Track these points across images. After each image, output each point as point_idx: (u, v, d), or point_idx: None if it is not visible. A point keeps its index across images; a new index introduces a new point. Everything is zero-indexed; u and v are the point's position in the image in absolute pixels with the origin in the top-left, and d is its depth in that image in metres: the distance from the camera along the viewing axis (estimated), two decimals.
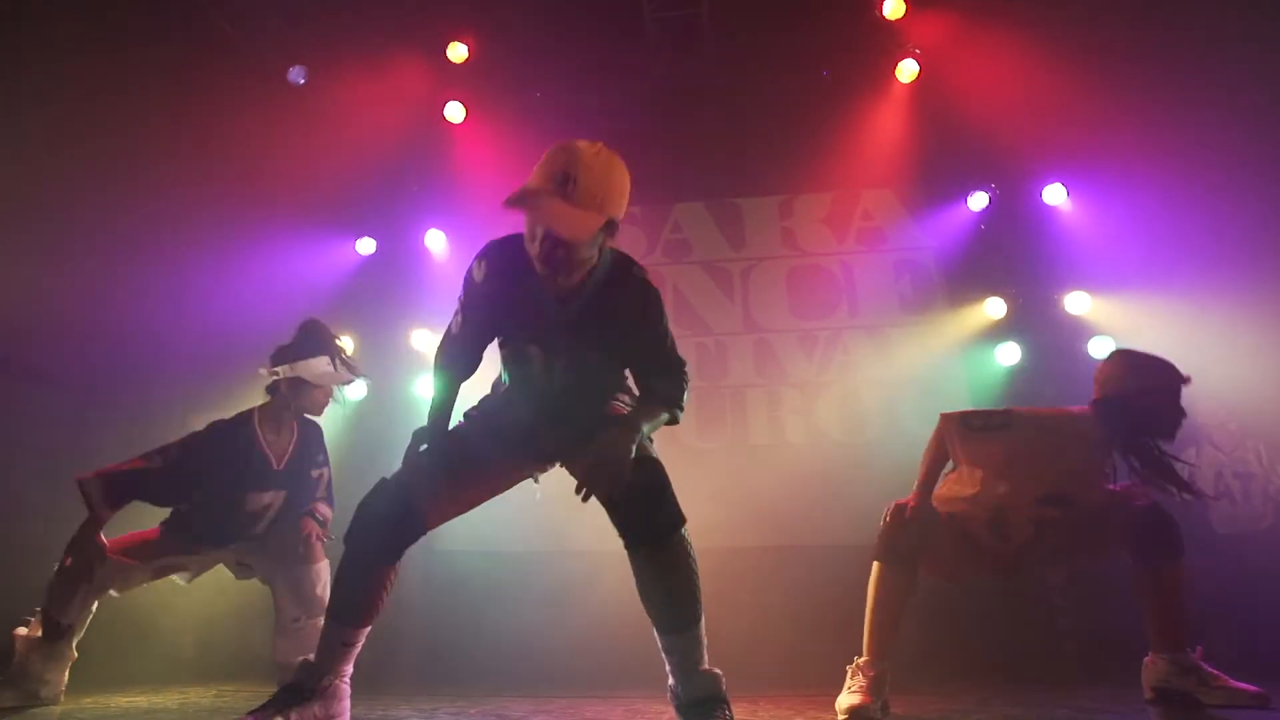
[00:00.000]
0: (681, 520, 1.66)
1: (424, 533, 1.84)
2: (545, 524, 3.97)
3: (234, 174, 4.59)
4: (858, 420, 4.47)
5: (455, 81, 4.94)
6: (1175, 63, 3.97)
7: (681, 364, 1.92)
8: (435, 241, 4.93)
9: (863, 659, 2.26)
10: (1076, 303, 4.42)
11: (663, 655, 1.63)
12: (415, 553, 4.28)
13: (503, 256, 1.82)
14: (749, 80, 4.84)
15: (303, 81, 4.80)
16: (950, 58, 4.52)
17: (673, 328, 1.99)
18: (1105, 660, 3.53)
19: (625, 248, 2.07)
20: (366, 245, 4.95)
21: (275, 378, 2.87)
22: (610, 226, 1.69)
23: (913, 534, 2.31)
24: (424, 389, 4.58)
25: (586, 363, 1.87)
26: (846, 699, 2.17)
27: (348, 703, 1.84)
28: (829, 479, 4.29)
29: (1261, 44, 3.75)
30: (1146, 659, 2.34)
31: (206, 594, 3.75)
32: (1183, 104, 3.94)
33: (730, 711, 1.59)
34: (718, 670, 1.62)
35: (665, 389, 1.88)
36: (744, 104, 4.90)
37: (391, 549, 1.81)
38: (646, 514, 1.62)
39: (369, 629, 1.86)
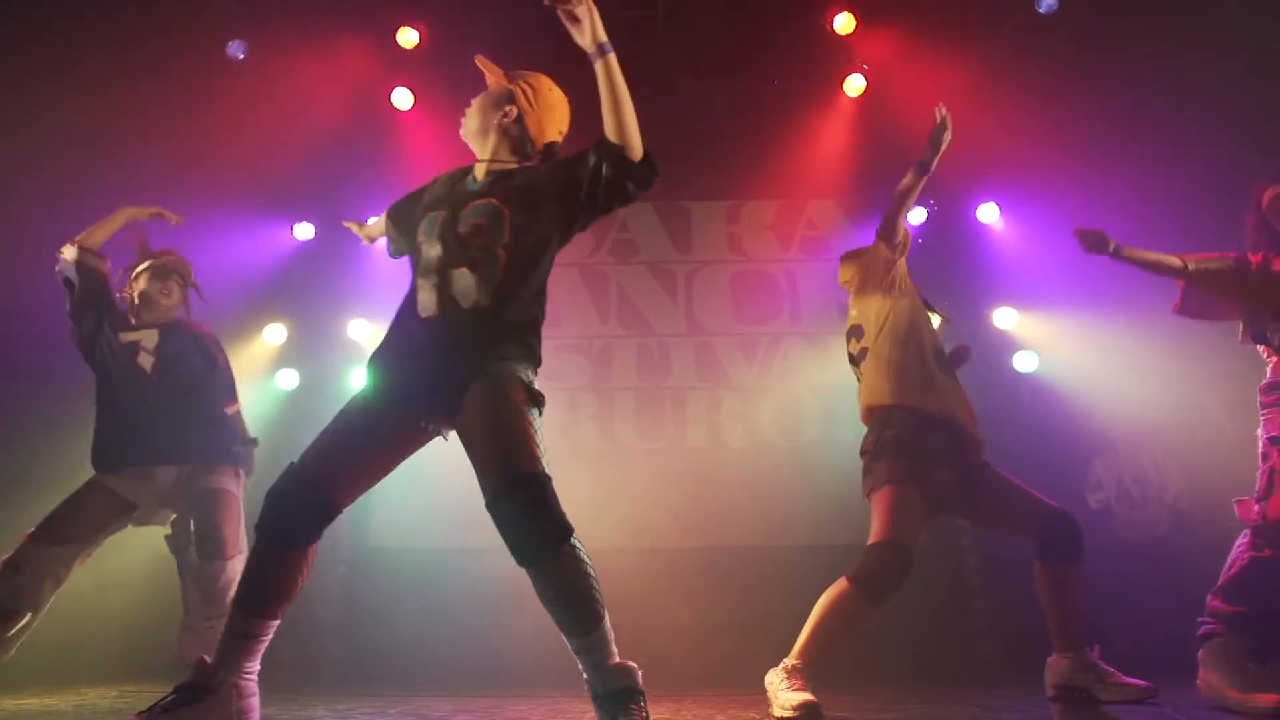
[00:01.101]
0: (565, 536, 1.62)
1: (336, 512, 1.79)
2: (468, 520, 3.93)
3: (164, 149, 4.40)
4: (795, 424, 4.55)
5: (404, 67, 4.83)
6: (1106, 89, 4.16)
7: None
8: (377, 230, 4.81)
9: (797, 661, 2.26)
10: (1004, 318, 4.61)
11: (574, 656, 1.65)
12: (340, 547, 4.24)
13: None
14: (701, 85, 4.87)
15: (242, 56, 4.63)
16: (896, 75, 4.64)
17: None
18: (1019, 660, 3.69)
19: (571, 245, 2.10)
20: (304, 231, 4.81)
21: None
22: (508, 98, 1.97)
23: (900, 581, 2.29)
24: (360, 380, 4.48)
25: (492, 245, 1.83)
26: (795, 696, 2.15)
27: (254, 702, 1.75)
28: (766, 481, 4.37)
29: (1188, 76, 3.96)
30: (1050, 659, 2.46)
31: (118, 589, 3.60)
32: (1112, 130, 4.14)
33: (645, 703, 1.60)
34: (631, 664, 1.64)
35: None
36: (695, 108, 4.93)
37: (300, 533, 1.76)
38: (529, 535, 1.61)
39: (277, 622, 1.78)
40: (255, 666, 1.77)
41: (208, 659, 1.73)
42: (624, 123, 1.82)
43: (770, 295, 4.85)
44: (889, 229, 2.67)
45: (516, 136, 1.98)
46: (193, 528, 2.67)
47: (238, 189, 4.54)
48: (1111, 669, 2.37)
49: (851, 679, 3.12)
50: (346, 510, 1.86)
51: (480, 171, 1.97)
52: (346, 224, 2.45)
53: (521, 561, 1.61)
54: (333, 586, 4.19)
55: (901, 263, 2.70)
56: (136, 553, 3.39)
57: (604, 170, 1.85)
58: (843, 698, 2.56)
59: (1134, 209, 4.07)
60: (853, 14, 4.59)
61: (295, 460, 1.80)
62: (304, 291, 4.70)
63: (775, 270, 4.91)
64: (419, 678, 3.57)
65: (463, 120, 2.04)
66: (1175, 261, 2.62)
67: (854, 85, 4.76)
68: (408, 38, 4.75)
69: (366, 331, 4.59)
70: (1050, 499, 2.51)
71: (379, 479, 1.87)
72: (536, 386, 1.83)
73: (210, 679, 1.70)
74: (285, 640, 4.16)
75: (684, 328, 4.81)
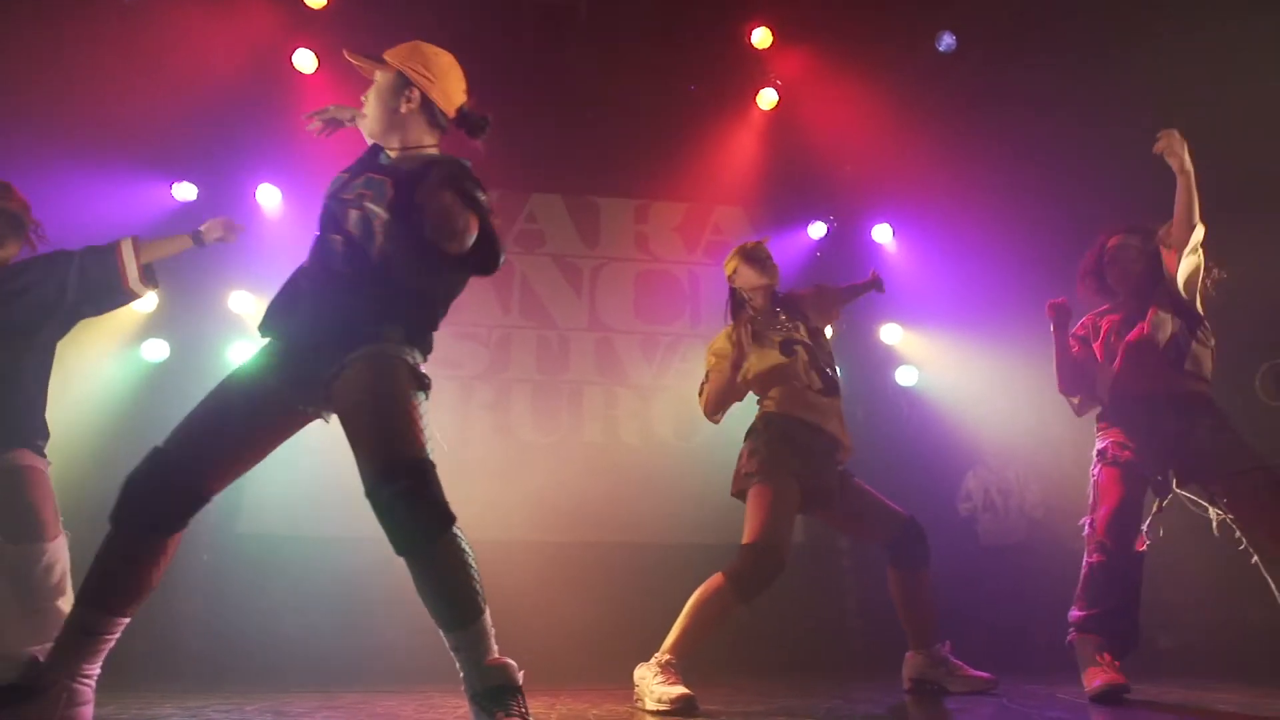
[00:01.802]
0: (446, 525, 1.54)
1: (205, 500, 1.65)
2: (343, 507, 3.78)
3: (36, 93, 4.00)
4: (690, 425, 4.63)
5: (309, 27, 4.58)
6: (998, 125, 4.44)
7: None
8: (268, 197, 4.55)
9: (669, 656, 2.29)
10: (890, 333, 4.85)
11: (450, 652, 1.58)
12: (204, 534, 3.97)
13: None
14: (619, 82, 4.87)
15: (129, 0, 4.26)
16: (806, 92, 4.81)
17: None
18: (888, 655, 3.89)
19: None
20: (186, 191, 4.47)
21: None
22: (404, 83, 1.83)
23: (770, 580, 2.35)
24: (239, 355, 4.22)
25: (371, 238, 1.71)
26: (670, 690, 2.16)
27: (85, 711, 1.55)
28: (659, 479, 4.42)
29: (1075, 118, 4.27)
30: (907, 654, 2.63)
31: None
32: (1001, 163, 4.43)
33: (523, 700, 1.55)
34: (509, 660, 1.58)
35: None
36: (611, 104, 4.92)
37: (163, 522, 1.61)
38: (407, 523, 1.52)
39: (127, 620, 1.62)
40: (95, 669, 1.59)
41: (39, 656, 1.55)
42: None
43: (673, 296, 4.92)
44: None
45: (428, 116, 1.88)
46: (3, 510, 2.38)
47: (114, 141, 4.18)
48: (960, 663, 2.55)
49: (726, 672, 3.20)
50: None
51: (393, 156, 1.88)
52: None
53: (399, 550, 1.53)
54: (195, 576, 3.92)
55: (740, 348, 2.65)
56: None
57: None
58: (718, 690, 2.62)
59: (1019, 239, 4.39)
60: (770, 30, 4.72)
61: (161, 443, 1.64)
62: (180, 256, 4.36)
63: (680, 272, 4.98)
64: (286, 672, 3.39)
65: (360, 124, 1.89)
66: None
67: (767, 98, 4.90)
68: None
69: (250, 305, 4.33)
70: (899, 506, 2.66)
71: (254, 464, 1.74)
72: (424, 370, 1.75)
73: (39, 679, 1.51)
74: (139, 634, 3.86)
75: (586, 323, 4.80)
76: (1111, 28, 3.90)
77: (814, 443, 2.55)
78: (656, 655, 2.32)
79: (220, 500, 3.57)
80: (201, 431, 1.65)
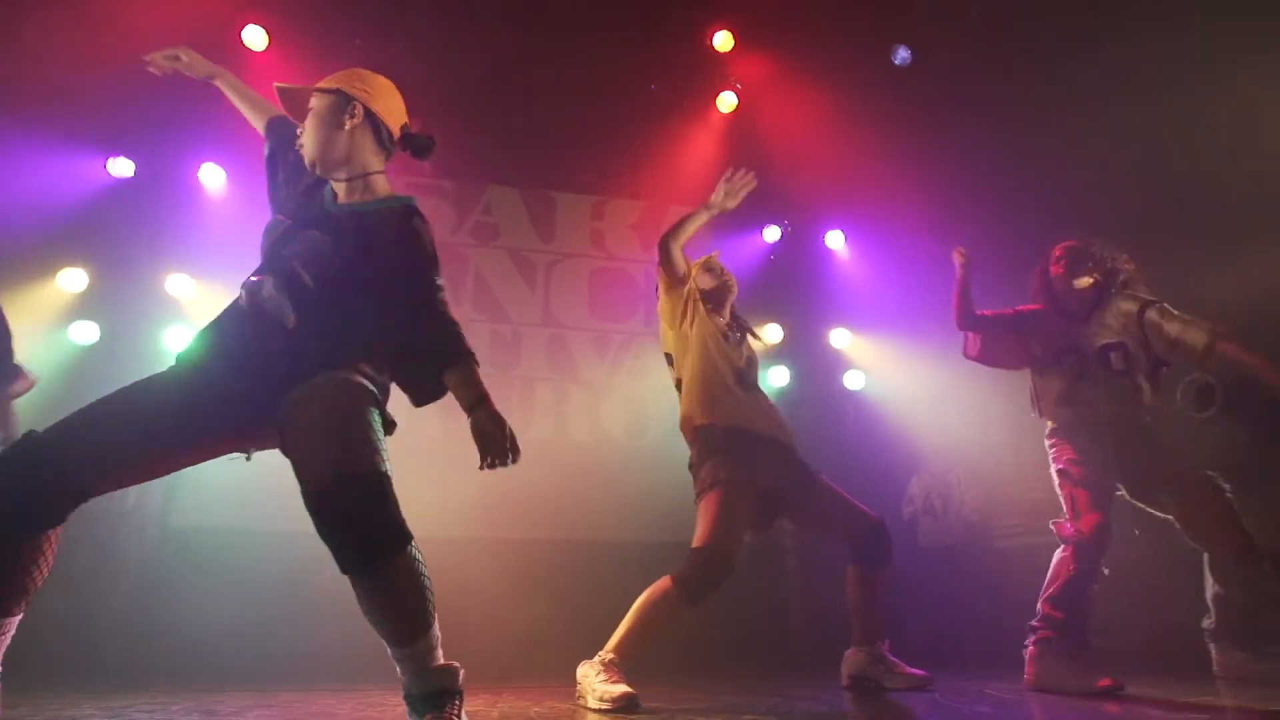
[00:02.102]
0: (401, 544, 1.45)
1: (85, 498, 1.47)
2: (282, 499, 3.67)
3: None
4: (641, 423, 4.63)
5: (260, 3, 4.43)
6: (951, 136, 4.54)
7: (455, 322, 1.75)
8: (212, 177, 4.38)
9: (612, 655, 2.30)
10: (839, 338, 4.94)
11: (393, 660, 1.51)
12: (132, 525, 3.80)
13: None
14: (580, 77, 4.84)
15: None
16: (766, 97, 4.86)
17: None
18: (830, 654, 3.96)
19: (433, 221, 1.99)
20: (122, 167, 4.27)
21: None
22: (345, 99, 1.78)
23: (718, 584, 2.38)
24: (176, 341, 4.06)
25: (334, 290, 1.65)
26: (613, 689, 2.17)
27: None
28: (608, 477, 4.41)
29: (1025, 133, 4.39)
30: (848, 652, 2.69)
31: None
32: (953, 174, 4.52)
33: (460, 703, 1.50)
34: (454, 665, 1.52)
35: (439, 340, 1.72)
36: (572, 99, 4.89)
37: (31, 519, 1.43)
38: (359, 539, 1.42)
39: (16, 619, 1.47)
40: None
41: None
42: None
43: (628, 295, 4.91)
44: (665, 259, 2.78)
45: (373, 133, 1.80)
46: None
47: (45, 110, 3.97)
48: (897, 660, 2.61)
49: (669, 671, 3.21)
50: (147, 484, 1.63)
51: (341, 191, 1.80)
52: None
53: (346, 567, 1.42)
54: (122, 570, 3.75)
55: (690, 291, 2.79)
56: None
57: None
58: (660, 689, 2.62)
59: (968, 249, 4.46)
60: (732, 33, 4.75)
61: (39, 428, 1.46)
62: (115, 235, 4.18)
63: (635, 270, 4.98)
64: (222, 671, 3.27)
65: (304, 155, 1.79)
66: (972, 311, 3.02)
67: (726, 101, 4.93)
68: None
69: (189, 289, 4.16)
70: (866, 507, 2.72)
71: (154, 476, 1.58)
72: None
73: None
74: (60, 631, 3.70)
75: (539, 318, 4.75)
76: (1066, 41, 4.02)
77: (756, 447, 2.57)
78: (600, 653, 2.31)
79: (152, 488, 3.44)
80: (102, 425, 1.48)
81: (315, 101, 1.79)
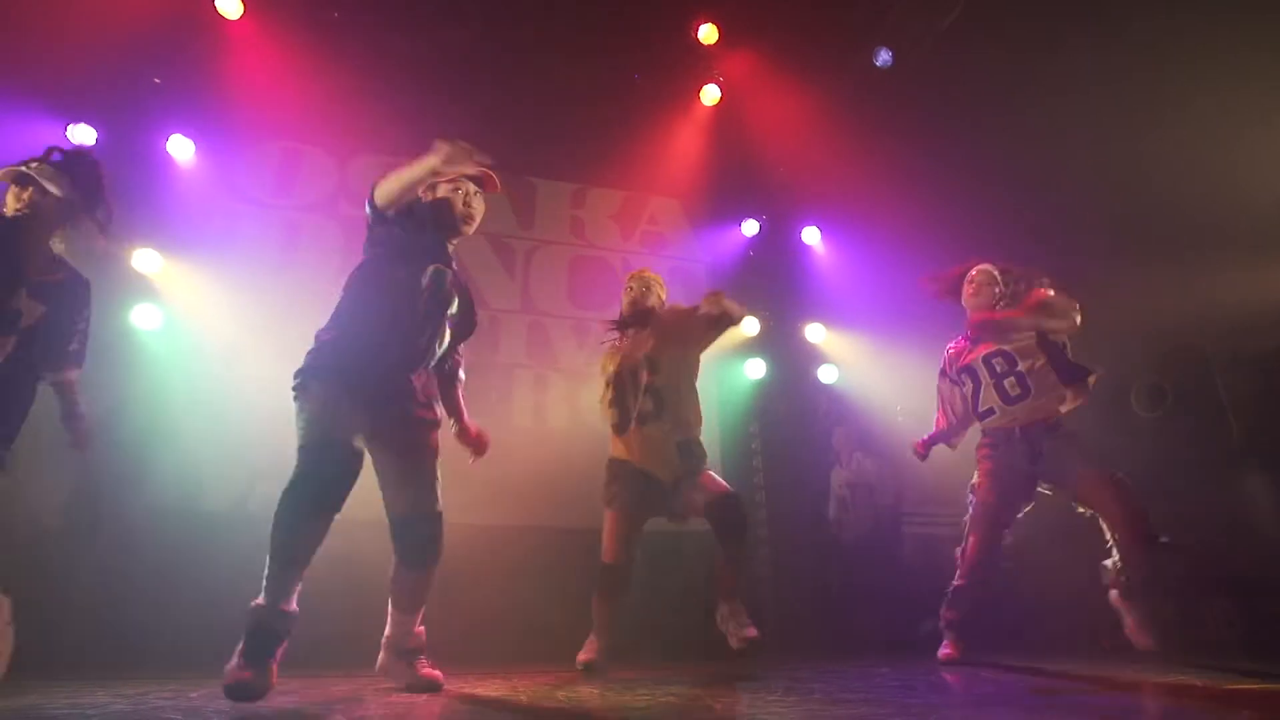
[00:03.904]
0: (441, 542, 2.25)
1: None
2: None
3: None
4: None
5: None
6: (927, 137, 4.66)
7: None
8: (180, 149, 4.22)
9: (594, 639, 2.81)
10: (814, 332, 5.04)
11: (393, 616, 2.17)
12: (100, 512, 3.63)
13: None
14: (564, 64, 4.80)
15: None
16: (750, 92, 4.89)
17: None
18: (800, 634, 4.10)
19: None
20: (83, 134, 4.05)
21: None
22: None
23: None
24: (143, 319, 3.90)
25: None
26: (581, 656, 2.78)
27: None
28: (587, 465, 4.41)
29: (1000, 132, 4.53)
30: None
31: None
32: (928, 173, 4.64)
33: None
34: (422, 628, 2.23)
35: None
36: (553, 85, 4.85)
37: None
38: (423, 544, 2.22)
39: None
40: None
41: None
42: None
43: (608, 283, 4.90)
44: None
45: None
46: None
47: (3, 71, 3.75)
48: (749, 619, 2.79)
49: (651, 657, 3.24)
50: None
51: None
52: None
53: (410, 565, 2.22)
54: (140, 558, 3.52)
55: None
56: None
57: None
58: (620, 675, 2.67)
59: (942, 247, 4.61)
60: (717, 26, 4.77)
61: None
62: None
63: (614, 259, 4.98)
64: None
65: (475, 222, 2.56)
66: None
67: (709, 94, 4.96)
68: None
69: (155, 264, 4.00)
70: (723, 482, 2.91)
71: None
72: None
73: None
74: (81, 620, 3.47)
75: (518, 304, 4.73)
76: (1045, 42, 4.15)
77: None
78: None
79: (123, 473, 3.31)
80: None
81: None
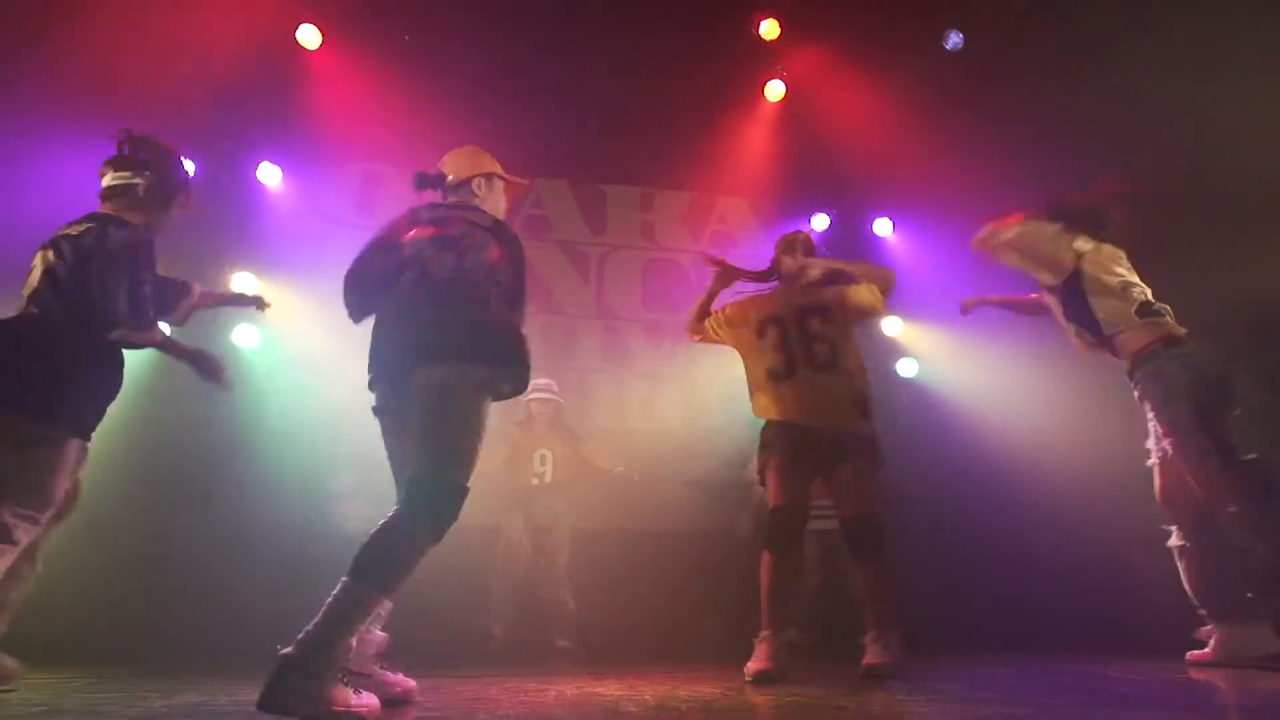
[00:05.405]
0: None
1: None
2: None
3: (28, 60, 3.83)
4: (697, 410, 4.66)
5: (312, 3, 4.46)
6: (1000, 122, 4.53)
7: None
8: (269, 175, 4.43)
9: (764, 632, 2.57)
10: (891, 326, 4.95)
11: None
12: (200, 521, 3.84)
13: None
14: (627, 70, 4.84)
15: None
16: (815, 86, 4.85)
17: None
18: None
19: None
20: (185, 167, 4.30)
21: None
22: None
23: (789, 526, 2.65)
24: (243, 338, 4.12)
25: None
26: (751, 665, 2.49)
27: None
28: (669, 464, 4.44)
29: (1075, 114, 4.38)
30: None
31: None
32: (1001, 160, 4.52)
33: None
34: None
35: None
36: (619, 92, 4.90)
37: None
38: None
39: None
40: None
41: None
42: None
43: (679, 284, 4.92)
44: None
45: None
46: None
47: (108, 113, 3.98)
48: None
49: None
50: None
51: None
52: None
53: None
54: (195, 561, 3.79)
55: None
56: None
57: None
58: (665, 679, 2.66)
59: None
60: (778, 21, 4.74)
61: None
62: (179, 233, 4.18)
63: (685, 261, 4.99)
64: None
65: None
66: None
67: (774, 90, 4.93)
68: None
69: (253, 285, 4.21)
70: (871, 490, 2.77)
71: None
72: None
73: None
74: (121, 620, 3.75)
75: (593, 310, 4.79)
76: (1117, 28, 4.01)
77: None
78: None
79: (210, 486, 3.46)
80: None
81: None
